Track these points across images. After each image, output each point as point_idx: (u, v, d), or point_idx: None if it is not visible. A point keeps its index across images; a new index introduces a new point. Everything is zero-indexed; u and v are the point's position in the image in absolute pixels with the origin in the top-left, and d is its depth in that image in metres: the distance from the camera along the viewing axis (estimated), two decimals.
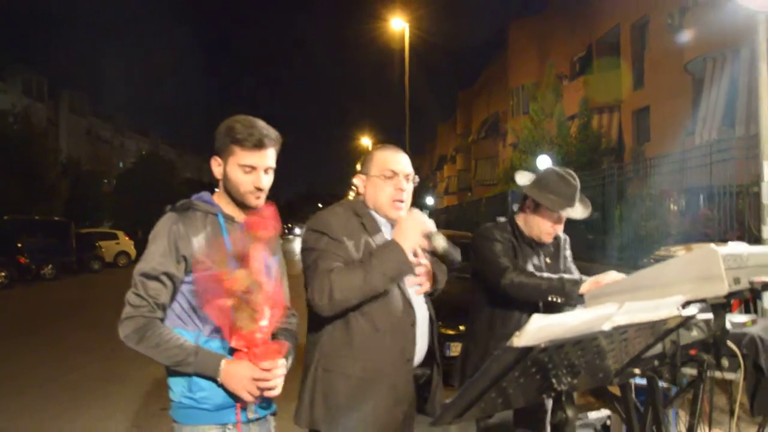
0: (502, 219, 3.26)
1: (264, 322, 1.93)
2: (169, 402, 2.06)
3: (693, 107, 16.57)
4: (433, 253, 2.23)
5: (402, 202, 2.27)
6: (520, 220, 3.09)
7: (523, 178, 3.11)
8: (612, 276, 2.57)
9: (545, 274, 2.80)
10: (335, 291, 2.02)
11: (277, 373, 1.94)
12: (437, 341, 2.37)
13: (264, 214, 2.12)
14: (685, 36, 16.12)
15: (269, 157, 2.09)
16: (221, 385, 1.96)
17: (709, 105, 15.11)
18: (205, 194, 2.15)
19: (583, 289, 2.58)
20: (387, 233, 2.26)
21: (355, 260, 2.12)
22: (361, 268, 2.06)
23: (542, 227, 2.98)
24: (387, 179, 2.26)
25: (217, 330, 1.98)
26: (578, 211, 2.96)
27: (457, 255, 2.22)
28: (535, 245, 3.07)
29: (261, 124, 2.08)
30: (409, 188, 2.29)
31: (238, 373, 1.92)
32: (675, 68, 17.35)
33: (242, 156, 2.05)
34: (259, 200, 2.10)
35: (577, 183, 2.95)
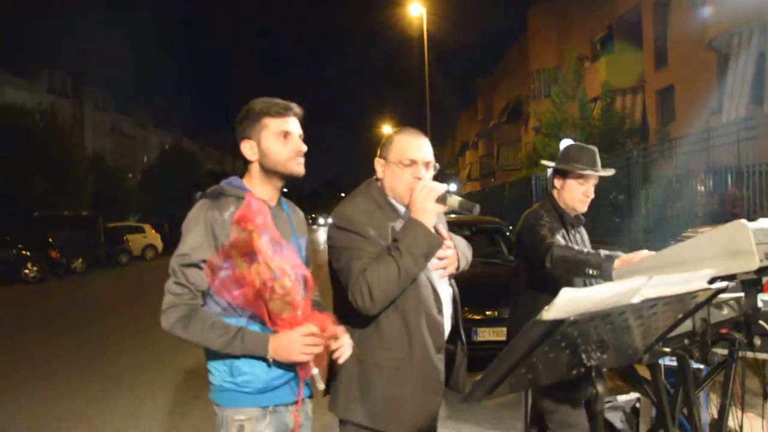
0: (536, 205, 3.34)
1: (299, 296, 1.95)
2: (209, 385, 2.09)
3: (718, 85, 16.27)
4: (453, 211, 2.18)
5: None
6: (555, 196, 3.24)
7: (548, 165, 3.40)
8: (643, 255, 2.55)
9: (585, 249, 2.84)
10: (374, 289, 1.99)
11: (335, 333, 2.00)
12: (461, 322, 2.37)
13: (249, 207, 2.06)
14: (709, 12, 15.81)
15: (298, 125, 2.13)
16: (271, 364, 1.98)
17: (736, 82, 14.81)
18: (234, 179, 2.15)
19: (616, 264, 2.58)
20: (402, 213, 2.24)
21: (383, 250, 2.08)
22: (392, 259, 2.01)
23: (575, 195, 3.15)
24: (405, 167, 2.20)
25: (253, 317, 1.99)
26: (602, 171, 3.17)
27: (474, 207, 2.13)
28: (575, 222, 3.24)
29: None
30: (428, 176, 2.23)
31: (286, 341, 1.94)
32: (699, 45, 17.04)
33: (275, 124, 2.08)
34: (302, 167, 2.12)
35: (595, 149, 3.20)
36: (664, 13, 20.53)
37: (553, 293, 2.93)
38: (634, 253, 2.61)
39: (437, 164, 2.29)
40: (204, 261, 1.97)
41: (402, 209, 2.24)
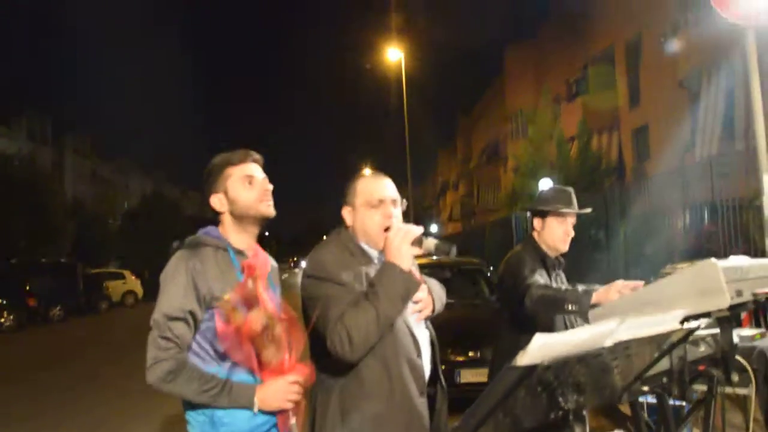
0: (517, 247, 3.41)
1: (287, 354, 2.00)
2: None
3: (691, 122, 16.64)
4: (429, 254, 2.16)
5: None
6: (536, 238, 3.30)
7: (527, 209, 3.59)
8: (618, 285, 2.60)
9: (562, 286, 2.89)
10: (353, 335, 1.94)
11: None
12: (443, 364, 2.36)
13: (256, 255, 2.18)
14: (679, 50, 16.25)
15: (261, 170, 2.19)
16: (255, 413, 1.98)
17: (707, 119, 15.17)
18: (211, 229, 2.17)
19: (594, 299, 2.62)
20: (377, 262, 2.22)
21: (359, 295, 2.06)
22: (369, 303, 1.98)
23: (555, 235, 3.22)
24: (373, 208, 2.20)
25: (236, 364, 2.00)
26: (578, 208, 3.26)
27: (450, 249, 2.11)
28: (555, 264, 3.29)
29: None
30: (397, 213, 2.23)
31: (272, 391, 1.97)
32: (670, 84, 17.48)
33: (237, 171, 2.14)
34: (271, 208, 2.16)
35: (570, 189, 3.30)
36: (636, 52, 21.09)
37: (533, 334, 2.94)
38: (611, 284, 2.66)
39: (404, 200, 2.30)
40: (190, 313, 1.97)
41: (375, 254, 2.24)
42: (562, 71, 26.46)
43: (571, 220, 3.25)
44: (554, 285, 3.17)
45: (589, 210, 3.49)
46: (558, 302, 2.73)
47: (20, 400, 8.42)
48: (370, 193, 2.23)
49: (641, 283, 2.54)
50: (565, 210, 3.19)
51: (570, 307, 2.68)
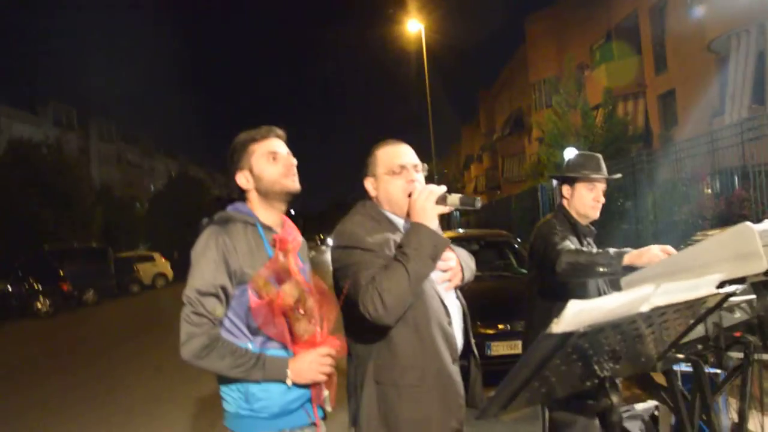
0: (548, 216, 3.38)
1: (319, 327, 2.02)
2: (224, 413, 2.10)
3: (720, 87, 16.27)
4: (455, 209, 2.15)
5: None
6: (566, 206, 3.26)
7: (554, 177, 3.56)
8: (654, 249, 2.56)
9: (593, 249, 2.88)
10: (385, 296, 1.92)
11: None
12: (473, 336, 2.36)
13: (288, 230, 2.20)
14: (706, 14, 15.84)
15: (284, 145, 2.19)
16: (290, 387, 2.01)
17: (737, 83, 14.81)
18: (240, 205, 2.17)
19: (626, 260, 2.58)
20: (401, 227, 2.23)
21: (389, 259, 2.06)
22: (399, 263, 1.97)
23: (586, 201, 3.18)
24: (396, 175, 2.21)
25: (269, 340, 2.02)
26: (608, 173, 3.22)
27: (475, 201, 2.11)
28: (587, 232, 3.27)
29: None
30: (420, 178, 2.24)
31: (305, 363, 2.00)
32: (698, 48, 17.06)
33: (261, 147, 2.14)
34: (296, 182, 2.15)
35: (599, 155, 3.25)
36: (661, 17, 20.61)
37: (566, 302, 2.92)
38: (645, 248, 2.61)
39: (425, 164, 2.30)
40: (220, 287, 1.98)
41: (400, 222, 2.24)
42: (585, 39, 25.99)
43: (601, 186, 3.20)
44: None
45: (618, 175, 3.43)
46: (589, 265, 2.71)
47: (56, 384, 8.64)
48: (390, 160, 2.24)
49: (670, 248, 2.51)
50: (593, 176, 3.14)
51: (602, 270, 2.65)
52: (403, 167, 2.22)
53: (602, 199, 3.21)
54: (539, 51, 30.28)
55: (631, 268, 2.55)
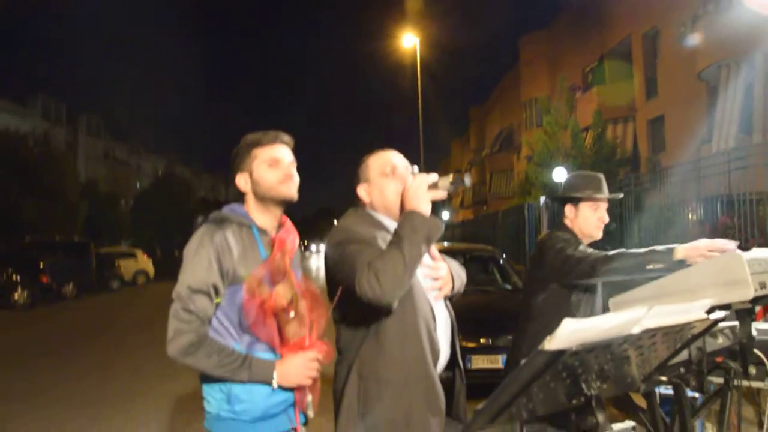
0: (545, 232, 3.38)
1: (309, 331, 2.03)
2: (204, 413, 2.09)
3: (708, 115, 16.49)
4: (449, 190, 2.16)
5: None
6: (569, 225, 3.22)
7: (558, 197, 3.42)
8: (703, 243, 2.48)
9: (631, 251, 2.79)
10: (380, 277, 1.92)
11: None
12: (459, 348, 2.37)
13: (287, 230, 2.20)
14: (698, 44, 16.09)
15: (288, 152, 2.19)
16: (274, 389, 2.00)
17: (725, 113, 15.03)
18: (236, 206, 2.18)
19: (679, 254, 2.52)
20: None
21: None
22: (393, 246, 1.99)
23: (590, 222, 3.16)
24: (389, 176, 2.27)
25: (256, 341, 2.02)
26: (613, 195, 3.22)
27: (464, 179, 2.13)
28: None
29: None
30: (410, 178, 2.22)
31: (292, 366, 2.00)
32: (688, 76, 17.31)
33: (264, 153, 2.14)
34: (293, 191, 2.15)
35: (600, 175, 3.24)
36: (654, 44, 20.89)
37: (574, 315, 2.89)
38: (699, 240, 2.53)
39: (416, 166, 2.32)
40: (212, 286, 1.98)
41: (394, 225, 2.21)
42: (578, 61, 26.27)
43: (604, 206, 3.19)
44: None
45: (620, 195, 3.44)
46: (639, 263, 2.64)
47: (31, 376, 8.53)
48: (382, 163, 2.30)
49: (729, 244, 2.44)
50: (597, 195, 3.14)
51: (652, 266, 2.60)
52: (395, 168, 2.28)
53: (606, 219, 3.20)
54: (532, 71, 30.58)
55: (682, 263, 2.47)
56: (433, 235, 2.05)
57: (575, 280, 2.95)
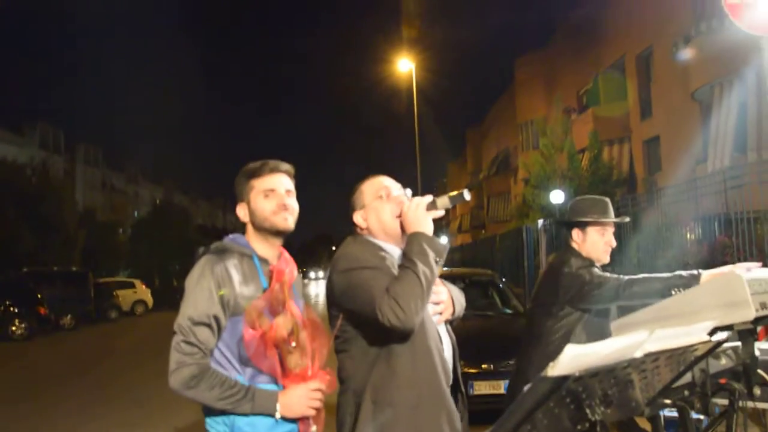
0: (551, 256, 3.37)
1: (311, 361, 2.02)
2: None
3: (703, 134, 16.59)
4: (447, 208, 2.21)
5: None
6: (577, 249, 3.22)
7: (566, 221, 3.37)
8: (728, 268, 2.52)
9: (654, 275, 2.84)
10: (402, 302, 1.93)
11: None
12: (461, 374, 2.36)
13: (285, 260, 2.20)
14: (690, 64, 16.24)
15: (286, 181, 2.19)
16: (278, 420, 1.98)
17: (719, 132, 15.13)
18: (238, 236, 2.18)
19: (705, 279, 2.56)
20: (396, 257, 2.22)
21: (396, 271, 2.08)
22: (408, 270, 2.00)
23: (598, 246, 3.17)
24: (383, 199, 2.26)
25: (258, 372, 2.00)
26: (619, 219, 3.24)
27: (462, 194, 2.15)
28: None
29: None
30: (404, 199, 2.27)
31: (295, 397, 1.98)
32: (682, 96, 17.45)
33: (260, 184, 2.15)
34: (287, 221, 2.15)
35: (607, 199, 3.25)
36: (647, 64, 21.09)
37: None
38: (726, 266, 2.57)
39: (409, 189, 2.33)
40: (213, 317, 1.97)
41: (395, 251, 2.24)
42: (573, 82, 26.47)
43: (611, 230, 3.21)
44: None
45: (627, 219, 3.49)
46: (662, 288, 2.68)
47: (30, 410, 8.44)
48: (376, 188, 2.30)
49: (753, 266, 2.45)
50: (604, 220, 3.15)
51: (675, 292, 2.62)
52: (388, 190, 2.28)
53: (614, 243, 3.21)
54: (527, 93, 30.75)
55: None
56: (442, 253, 2.08)
57: (593, 304, 2.96)
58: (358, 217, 2.30)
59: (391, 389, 2.07)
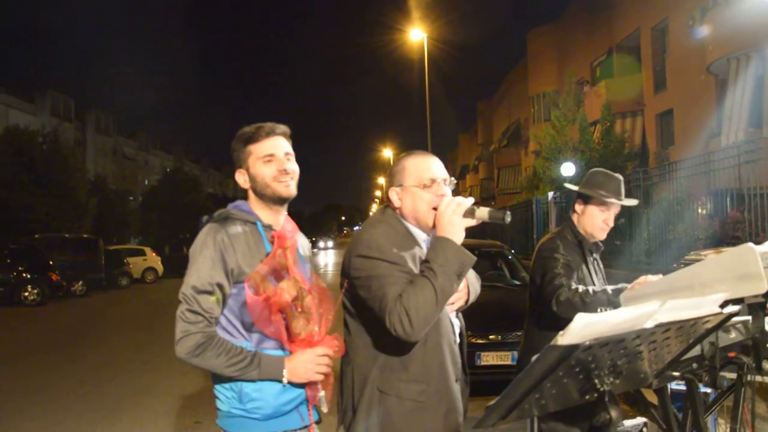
0: (554, 229, 3.36)
1: (317, 326, 2.01)
2: (215, 411, 2.09)
3: (717, 109, 16.38)
4: (484, 222, 2.09)
5: None
6: (574, 220, 3.23)
7: (571, 188, 3.39)
8: (646, 280, 2.57)
9: (590, 288, 2.86)
10: (412, 315, 1.87)
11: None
12: (466, 351, 2.36)
13: (287, 227, 2.17)
14: (707, 37, 15.97)
15: (284, 144, 2.15)
16: (285, 386, 2.00)
17: (734, 106, 14.91)
18: (242, 203, 2.16)
19: (624, 296, 2.58)
20: (425, 245, 2.17)
21: (415, 274, 2.01)
22: (426, 280, 1.92)
23: (595, 222, 3.14)
24: (426, 188, 2.12)
25: (265, 339, 2.01)
26: (625, 200, 3.17)
27: (504, 215, 2.04)
28: (593, 248, 3.24)
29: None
30: (448, 192, 2.16)
31: (301, 362, 1.99)
32: (697, 70, 17.20)
33: (258, 149, 2.11)
34: (290, 187, 2.12)
35: (620, 177, 3.18)
36: (663, 37, 20.76)
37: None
38: (640, 279, 2.63)
39: (453, 179, 2.22)
40: (218, 285, 1.97)
41: (423, 237, 2.18)
42: (586, 55, 26.15)
43: (615, 210, 3.16)
44: (592, 274, 3.15)
45: (635, 202, 3.41)
46: (588, 307, 2.71)
47: (41, 373, 8.58)
48: (421, 172, 2.15)
49: (655, 276, 2.52)
50: (608, 200, 3.09)
51: (601, 311, 2.63)
52: (433, 180, 2.13)
53: (611, 223, 3.17)
54: (540, 65, 30.43)
55: None
56: (466, 268, 1.99)
57: (543, 295, 3.00)
58: (393, 194, 2.20)
59: (398, 382, 2.06)
